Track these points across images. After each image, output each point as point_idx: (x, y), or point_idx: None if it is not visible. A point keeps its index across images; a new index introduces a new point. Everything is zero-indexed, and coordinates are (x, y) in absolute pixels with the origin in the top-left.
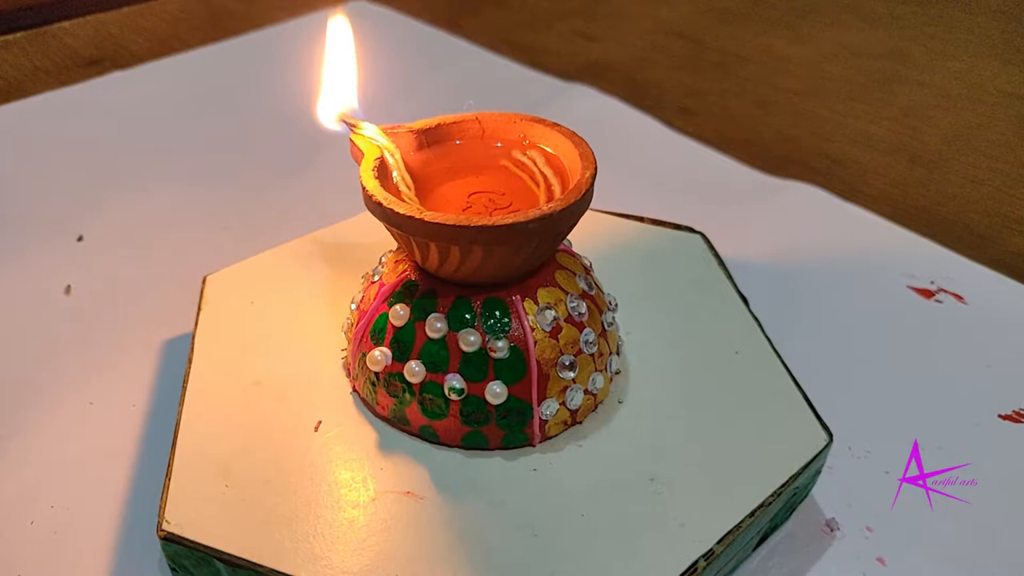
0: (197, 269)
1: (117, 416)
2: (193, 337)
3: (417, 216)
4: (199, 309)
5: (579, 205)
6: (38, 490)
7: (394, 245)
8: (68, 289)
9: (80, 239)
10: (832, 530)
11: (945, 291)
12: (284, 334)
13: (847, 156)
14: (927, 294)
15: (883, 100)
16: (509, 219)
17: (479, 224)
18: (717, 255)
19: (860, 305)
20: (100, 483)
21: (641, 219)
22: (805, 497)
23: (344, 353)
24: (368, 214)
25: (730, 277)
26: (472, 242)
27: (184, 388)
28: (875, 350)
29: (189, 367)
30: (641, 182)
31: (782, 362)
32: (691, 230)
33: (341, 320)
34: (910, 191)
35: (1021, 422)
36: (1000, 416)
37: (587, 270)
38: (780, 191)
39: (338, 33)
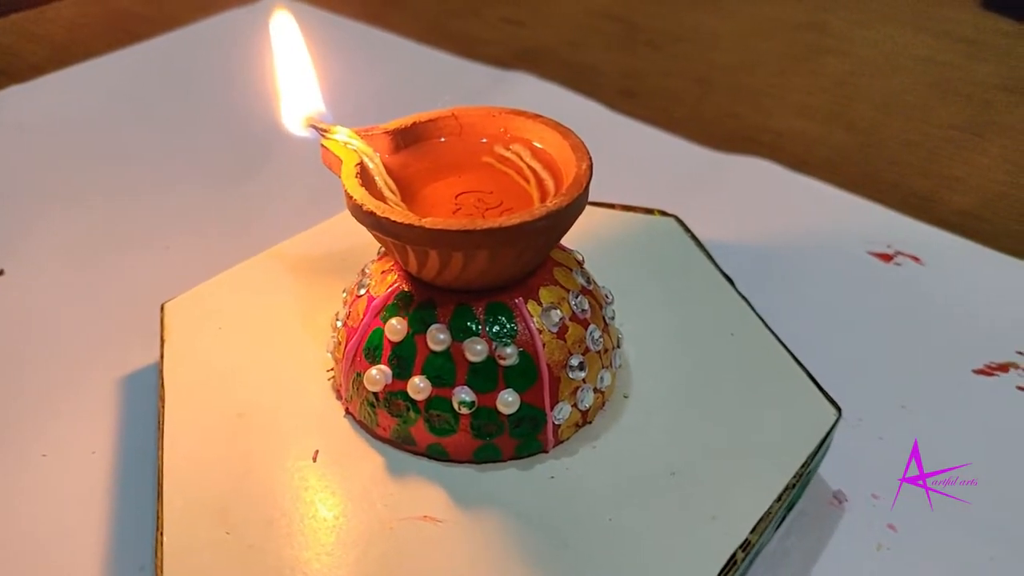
0: (143, 296)
1: (77, 466)
2: (161, 372)
3: (417, 224)
4: (162, 340)
5: (582, 199)
6: None
7: (369, 254)
8: None
9: (1, 273)
10: (840, 501)
11: (903, 254)
12: (261, 360)
13: (790, 128)
14: (886, 258)
15: (813, 72)
16: (515, 219)
17: (486, 227)
18: (694, 237)
19: (827, 274)
20: (70, 541)
21: (612, 206)
22: (815, 473)
23: (331, 374)
24: (330, 222)
25: (711, 258)
26: (478, 247)
27: (161, 429)
28: (848, 317)
29: (162, 406)
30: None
31: (778, 340)
32: (664, 213)
33: (319, 339)
34: (853, 158)
35: (994, 375)
36: (974, 371)
37: (580, 264)
38: (732, 167)
39: (285, 33)
